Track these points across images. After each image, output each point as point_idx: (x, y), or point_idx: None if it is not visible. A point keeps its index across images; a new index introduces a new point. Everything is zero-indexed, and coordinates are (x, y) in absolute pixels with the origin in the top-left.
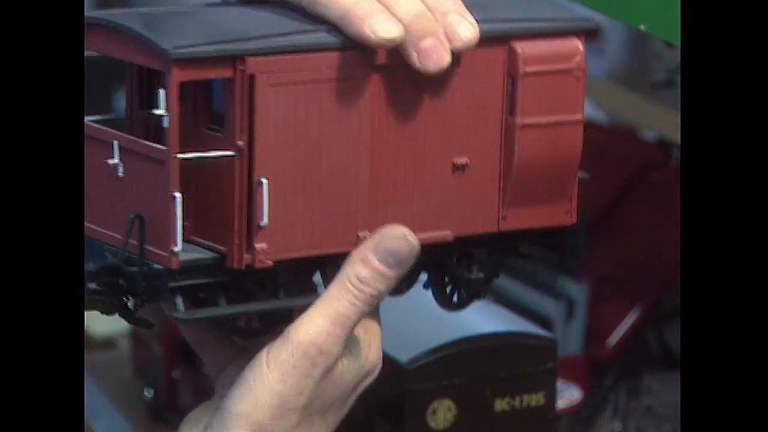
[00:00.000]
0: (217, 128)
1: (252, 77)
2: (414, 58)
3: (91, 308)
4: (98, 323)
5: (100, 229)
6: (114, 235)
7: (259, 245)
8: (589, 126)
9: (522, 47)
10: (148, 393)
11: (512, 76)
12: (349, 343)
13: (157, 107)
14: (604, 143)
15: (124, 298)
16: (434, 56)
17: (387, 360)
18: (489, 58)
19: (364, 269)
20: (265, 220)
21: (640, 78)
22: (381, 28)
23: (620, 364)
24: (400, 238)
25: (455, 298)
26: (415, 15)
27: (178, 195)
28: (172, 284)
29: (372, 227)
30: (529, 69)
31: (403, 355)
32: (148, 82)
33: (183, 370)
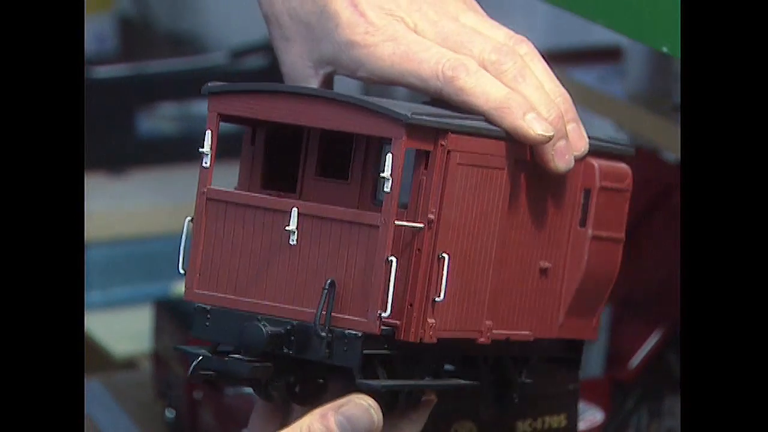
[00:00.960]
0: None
1: (449, 153)
2: (549, 156)
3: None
4: (119, 343)
5: (255, 300)
6: (275, 304)
7: (431, 320)
8: None
9: (597, 162)
10: (170, 413)
11: (587, 187)
12: None
13: (381, 171)
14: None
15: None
16: (567, 157)
17: None
18: (574, 169)
19: (319, 425)
20: (442, 296)
21: (661, 99)
22: (539, 125)
23: (642, 386)
24: (364, 409)
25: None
26: (556, 116)
27: (393, 259)
28: (367, 351)
29: (492, 317)
30: (603, 184)
31: None
32: (326, 150)
33: (204, 390)
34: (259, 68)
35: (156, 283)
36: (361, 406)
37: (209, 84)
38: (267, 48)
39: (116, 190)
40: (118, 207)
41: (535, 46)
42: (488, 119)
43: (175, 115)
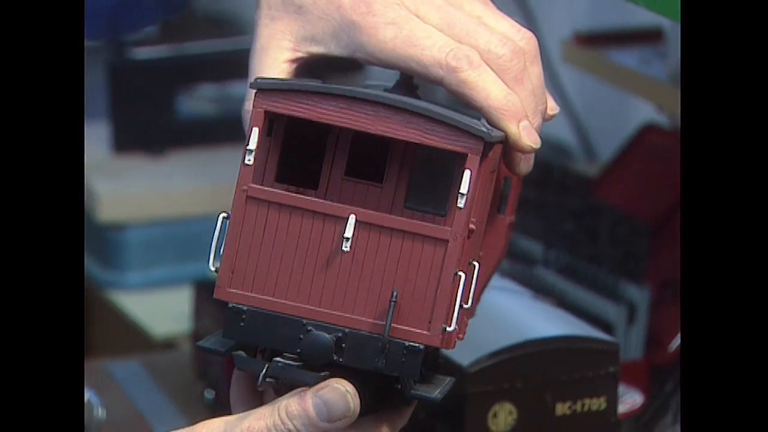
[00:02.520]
0: (420, 208)
1: (485, 163)
2: (518, 160)
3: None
4: (158, 324)
5: (298, 304)
6: (321, 310)
7: (455, 327)
8: (651, 129)
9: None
10: (209, 394)
11: (507, 176)
12: None
13: (459, 187)
14: (667, 146)
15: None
16: (530, 162)
17: (448, 363)
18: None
19: (296, 406)
20: (469, 303)
21: None
22: (529, 136)
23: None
24: (341, 393)
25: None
26: (538, 125)
27: (462, 274)
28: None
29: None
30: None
31: (464, 359)
32: (353, 152)
33: None
34: None
35: (195, 263)
36: (339, 390)
37: (258, 79)
38: None
39: (156, 172)
40: (158, 188)
41: (539, 44)
42: (485, 116)
43: (215, 97)
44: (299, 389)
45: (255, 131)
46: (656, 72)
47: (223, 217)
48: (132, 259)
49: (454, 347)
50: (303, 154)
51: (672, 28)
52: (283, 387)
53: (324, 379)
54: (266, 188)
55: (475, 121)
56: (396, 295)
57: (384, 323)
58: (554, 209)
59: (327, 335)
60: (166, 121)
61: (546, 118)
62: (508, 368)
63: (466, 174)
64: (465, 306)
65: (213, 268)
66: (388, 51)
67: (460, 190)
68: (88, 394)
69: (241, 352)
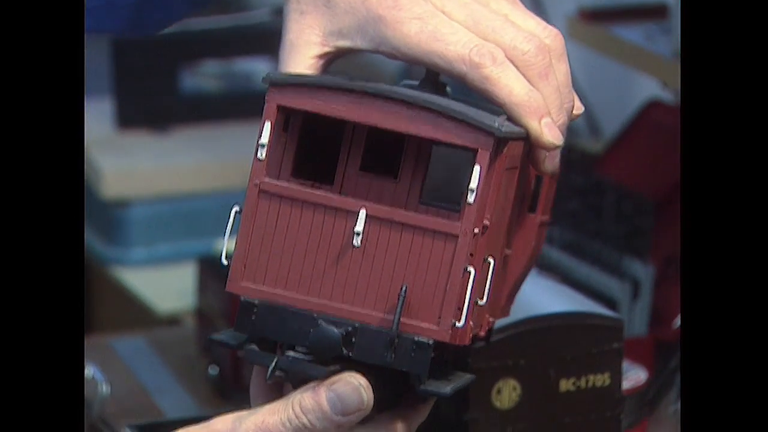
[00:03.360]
0: (435, 204)
1: (504, 160)
2: (542, 158)
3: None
4: (163, 300)
5: (309, 298)
6: (332, 304)
7: (471, 323)
8: (655, 105)
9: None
10: (213, 370)
11: (539, 175)
12: None
13: (468, 183)
14: (671, 123)
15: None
16: (556, 161)
17: None
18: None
19: (310, 400)
20: (485, 299)
21: None
22: (551, 132)
23: None
24: (354, 387)
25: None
26: (562, 123)
27: (472, 270)
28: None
29: (488, 311)
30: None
31: None
32: (367, 146)
33: None
34: None
35: (199, 240)
36: (352, 384)
37: (270, 73)
38: None
39: (159, 148)
40: (162, 164)
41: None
42: (507, 112)
43: (219, 73)
44: (313, 383)
45: (267, 125)
46: (661, 48)
47: (236, 212)
48: (136, 236)
49: (468, 343)
50: (319, 148)
51: (676, 4)
52: (300, 382)
53: (334, 373)
54: (278, 182)
55: (489, 116)
56: (405, 290)
57: (392, 318)
58: (558, 186)
59: (335, 329)
60: (169, 97)
61: (571, 118)
62: (512, 344)
63: (476, 169)
64: (480, 302)
65: (225, 262)
66: (412, 45)
67: (470, 186)
68: (91, 370)
69: (253, 346)
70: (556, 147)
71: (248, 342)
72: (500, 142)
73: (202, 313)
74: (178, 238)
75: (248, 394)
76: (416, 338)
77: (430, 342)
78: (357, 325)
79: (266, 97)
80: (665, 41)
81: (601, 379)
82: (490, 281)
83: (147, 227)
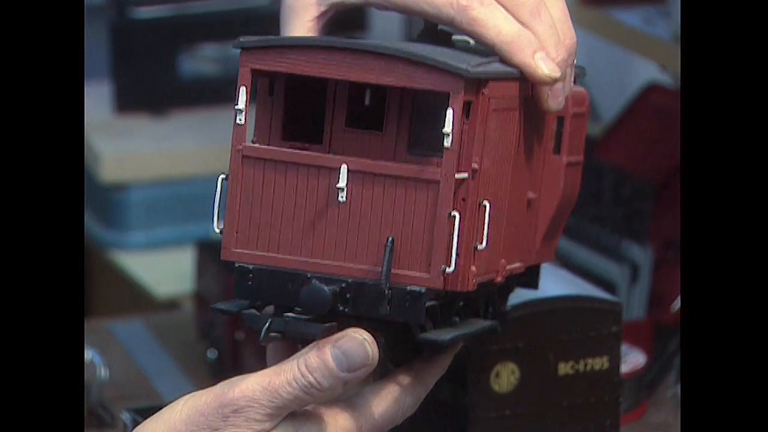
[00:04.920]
0: (423, 152)
1: (488, 101)
2: (545, 96)
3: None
4: (161, 284)
5: (301, 258)
6: (324, 262)
7: (473, 268)
8: (655, 89)
9: None
10: (212, 354)
11: (560, 115)
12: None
13: (441, 127)
14: (670, 106)
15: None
16: (560, 99)
17: None
18: None
19: (315, 358)
20: (484, 244)
21: None
22: (546, 66)
23: None
24: (359, 343)
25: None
26: (562, 58)
27: (457, 214)
28: (429, 304)
29: (504, 255)
30: (574, 110)
31: None
32: (350, 102)
33: (246, 331)
34: None
35: (198, 223)
36: (356, 339)
37: (241, 39)
38: None
39: (158, 131)
40: (160, 148)
41: None
42: (497, 53)
43: (217, 56)
44: (317, 341)
45: (242, 90)
46: (660, 32)
47: (222, 179)
48: (134, 220)
49: (472, 288)
50: (305, 110)
51: None
52: (306, 343)
53: (330, 330)
54: (260, 146)
55: (465, 59)
56: (392, 241)
57: (382, 270)
58: None
59: (325, 286)
60: (168, 80)
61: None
62: (511, 328)
63: (449, 113)
64: (480, 246)
65: (218, 230)
66: None
67: (444, 130)
68: (90, 354)
69: (252, 311)
70: (554, 80)
71: (248, 308)
72: (473, 83)
73: (200, 297)
74: (176, 222)
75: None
76: (409, 288)
77: (423, 290)
78: (349, 280)
79: (240, 63)
80: (664, 25)
81: (600, 363)
82: (488, 225)
83: (145, 211)
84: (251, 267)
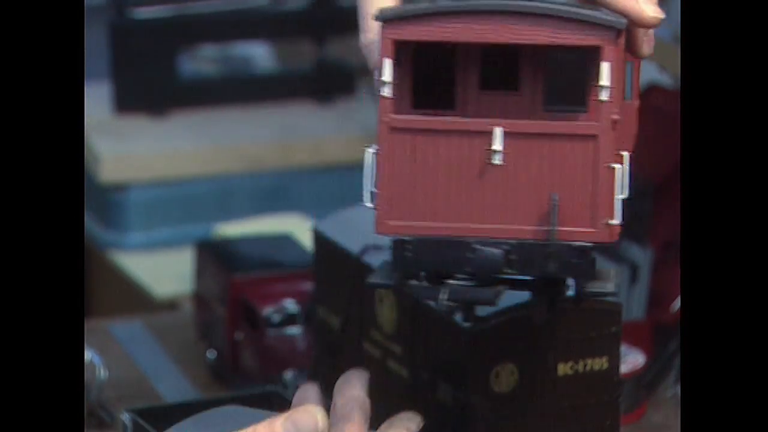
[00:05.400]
0: (559, 108)
1: (619, 52)
2: (641, 41)
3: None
4: (160, 284)
5: (460, 224)
6: (484, 226)
7: (615, 222)
8: (654, 89)
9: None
10: (211, 354)
11: (629, 60)
12: None
13: (596, 82)
14: (670, 107)
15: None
16: (652, 44)
17: (450, 323)
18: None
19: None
20: (626, 193)
21: None
22: (650, 8)
23: None
24: (310, 414)
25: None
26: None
27: (616, 165)
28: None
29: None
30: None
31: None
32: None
33: (245, 331)
34: (301, 10)
35: (197, 224)
36: (306, 411)
37: (382, 9)
38: None
39: (157, 132)
40: (160, 148)
41: None
42: (602, 3)
43: (217, 57)
44: (273, 418)
45: (387, 62)
46: (659, 32)
47: (372, 153)
48: (134, 220)
49: (618, 238)
50: (433, 76)
51: None
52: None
53: (500, 294)
54: (407, 116)
55: (600, 11)
56: (557, 198)
57: (548, 229)
58: None
59: (496, 250)
60: (167, 81)
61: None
62: (510, 328)
63: (605, 66)
64: (622, 196)
65: (370, 205)
66: None
67: (602, 83)
68: (89, 355)
69: (415, 282)
70: (659, 21)
71: (405, 279)
72: (620, 35)
73: (200, 298)
74: (176, 222)
75: (245, 377)
76: (575, 244)
77: (590, 245)
78: (513, 242)
79: (381, 35)
80: (664, 25)
81: (599, 363)
82: (628, 175)
83: (145, 211)
84: (409, 238)
